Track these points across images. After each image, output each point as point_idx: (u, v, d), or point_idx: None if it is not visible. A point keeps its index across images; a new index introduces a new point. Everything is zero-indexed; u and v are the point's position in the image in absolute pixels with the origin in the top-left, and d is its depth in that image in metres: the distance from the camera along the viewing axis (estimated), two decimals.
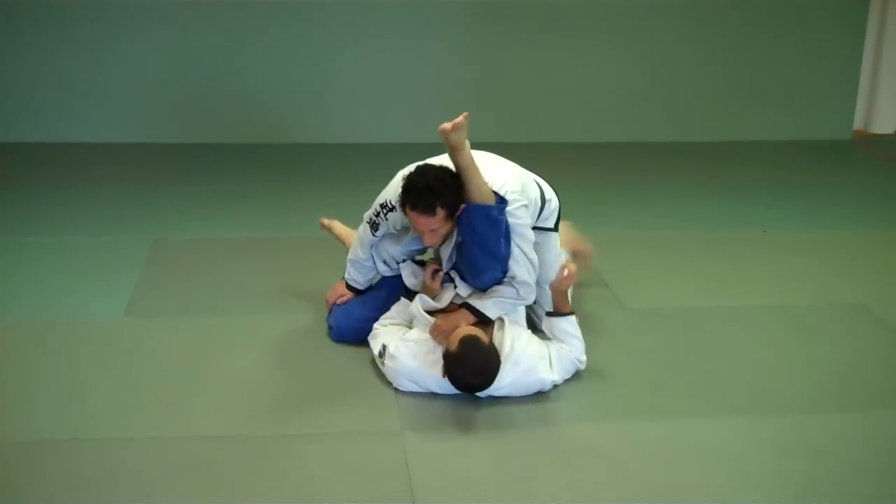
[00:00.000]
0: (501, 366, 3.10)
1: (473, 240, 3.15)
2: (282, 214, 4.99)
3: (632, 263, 4.37)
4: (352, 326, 3.52)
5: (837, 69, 6.71)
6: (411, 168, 3.21)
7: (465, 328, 3.14)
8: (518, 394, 3.18)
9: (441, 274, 3.37)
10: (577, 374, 3.34)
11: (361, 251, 3.51)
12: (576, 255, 3.80)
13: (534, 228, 3.36)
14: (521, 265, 3.22)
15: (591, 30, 6.42)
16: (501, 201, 3.12)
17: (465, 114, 3.01)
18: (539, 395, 3.21)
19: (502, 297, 3.25)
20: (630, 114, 6.59)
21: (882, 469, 2.89)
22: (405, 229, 3.32)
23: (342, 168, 5.89)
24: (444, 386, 3.15)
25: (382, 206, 3.33)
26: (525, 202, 3.23)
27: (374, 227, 3.40)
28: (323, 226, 3.97)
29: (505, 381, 3.13)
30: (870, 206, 5.40)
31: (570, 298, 3.44)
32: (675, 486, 2.78)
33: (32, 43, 6.03)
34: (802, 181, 5.84)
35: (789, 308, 4.00)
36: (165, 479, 2.75)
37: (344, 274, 3.62)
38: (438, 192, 3.05)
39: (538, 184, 3.47)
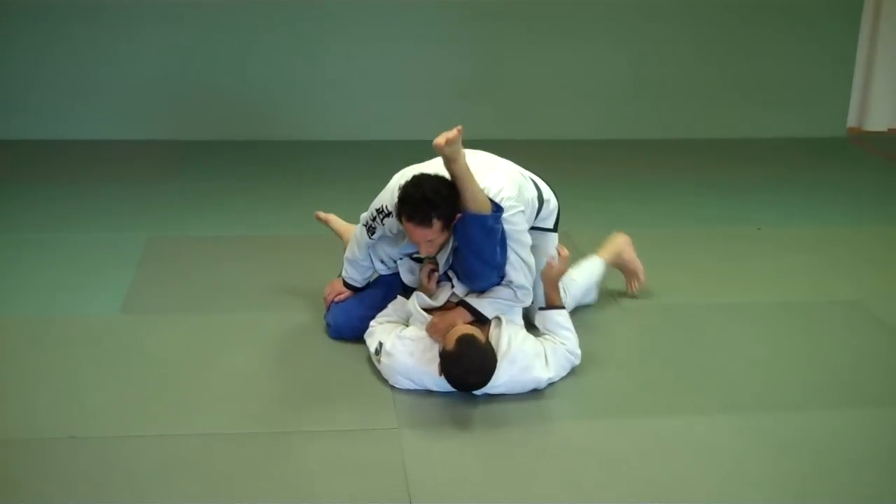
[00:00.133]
0: (498, 364, 3.11)
1: (469, 248, 3.16)
2: (278, 211, 4.98)
3: None
4: (350, 324, 3.52)
5: (832, 67, 6.72)
6: (407, 176, 3.20)
7: (462, 326, 3.15)
8: (514, 392, 3.19)
9: (437, 274, 3.37)
10: (573, 372, 3.35)
11: (359, 252, 3.51)
12: (628, 274, 3.95)
13: (532, 229, 3.38)
14: (519, 270, 3.24)
15: (587, 27, 6.42)
16: (497, 209, 3.13)
17: (459, 127, 3.01)
18: (535, 393, 3.22)
19: (499, 297, 3.26)
20: (625, 111, 6.59)
21: (879, 466, 2.91)
22: (402, 234, 3.32)
23: (338, 165, 5.89)
24: (441, 383, 3.16)
25: (379, 211, 3.33)
26: (521, 208, 3.23)
27: (370, 230, 3.40)
28: (319, 218, 3.97)
29: (501, 380, 3.14)
30: (865, 203, 5.42)
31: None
32: (672, 484, 2.79)
33: (28, 40, 6.01)
34: (797, 178, 5.85)
35: (786, 305, 4.02)
36: (162, 477, 2.75)
37: (341, 271, 3.62)
38: (434, 203, 3.04)
39: (536, 184, 3.47)
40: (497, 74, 6.42)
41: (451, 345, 3.04)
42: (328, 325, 3.61)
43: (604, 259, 3.91)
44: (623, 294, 4.00)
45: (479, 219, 3.10)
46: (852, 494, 2.77)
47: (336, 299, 3.60)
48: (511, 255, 3.20)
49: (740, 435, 3.05)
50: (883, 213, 5.24)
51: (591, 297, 3.87)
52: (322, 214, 3.97)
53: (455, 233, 3.16)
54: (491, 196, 3.14)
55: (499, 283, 3.26)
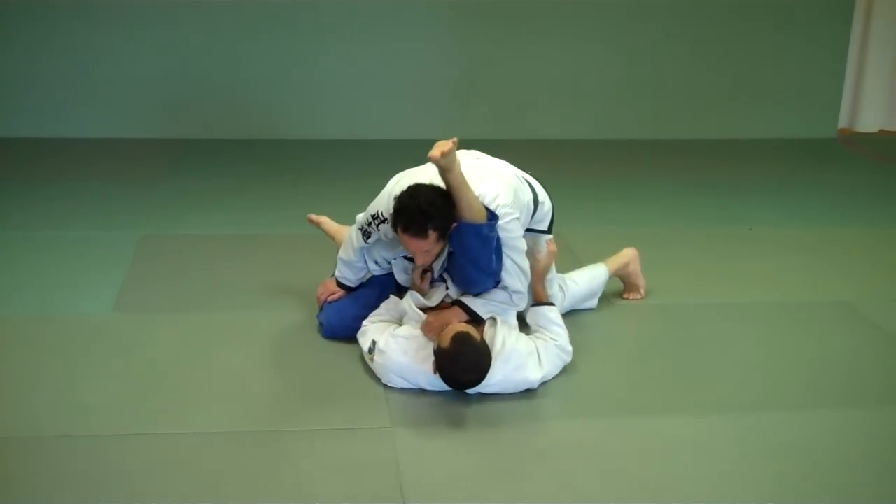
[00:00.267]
0: (492, 362, 3.12)
1: (465, 257, 3.17)
2: (271, 210, 4.98)
3: None
4: (343, 324, 3.52)
5: (823, 68, 6.75)
6: (403, 182, 3.21)
7: (458, 325, 3.15)
8: (507, 391, 3.20)
9: (429, 275, 3.38)
10: (567, 371, 3.36)
11: (353, 253, 3.51)
12: (628, 286, 3.97)
13: (527, 231, 3.39)
14: (514, 276, 3.25)
15: (580, 29, 6.44)
16: (493, 217, 3.14)
17: (454, 139, 3.02)
18: (528, 392, 3.22)
19: (494, 300, 3.27)
20: (616, 111, 6.61)
21: (868, 465, 2.92)
22: (397, 239, 3.32)
23: (332, 164, 5.89)
24: (434, 382, 3.16)
25: (374, 216, 3.33)
26: (517, 215, 3.24)
27: (366, 234, 3.40)
28: (311, 221, 3.97)
29: (495, 378, 3.14)
30: (855, 204, 5.45)
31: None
32: (665, 483, 2.80)
33: (23, 38, 6.00)
34: (788, 179, 5.88)
35: (776, 305, 4.03)
36: (155, 476, 2.75)
37: (335, 271, 3.63)
38: (430, 215, 3.04)
39: (531, 185, 3.48)
40: (492, 74, 6.43)
41: (446, 342, 3.04)
42: (321, 324, 3.61)
43: (609, 269, 3.92)
44: (617, 295, 4.01)
45: (475, 228, 3.11)
46: (847, 494, 2.78)
47: (329, 299, 3.60)
48: (506, 262, 3.22)
49: (734, 435, 3.06)
50: (873, 214, 5.27)
51: (591, 304, 3.89)
52: (314, 217, 3.97)
53: (451, 241, 3.17)
54: (486, 203, 3.15)
55: (494, 287, 3.27)
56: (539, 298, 3.46)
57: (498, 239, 3.16)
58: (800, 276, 4.35)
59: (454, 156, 3.02)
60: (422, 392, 3.21)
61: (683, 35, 6.55)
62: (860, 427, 3.13)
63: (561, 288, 3.71)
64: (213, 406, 3.12)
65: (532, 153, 4.80)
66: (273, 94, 6.28)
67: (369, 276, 3.62)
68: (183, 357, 3.43)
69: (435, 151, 2.98)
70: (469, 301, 3.27)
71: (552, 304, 3.47)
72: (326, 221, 3.94)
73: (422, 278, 3.38)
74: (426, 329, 3.23)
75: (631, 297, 4.00)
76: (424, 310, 3.32)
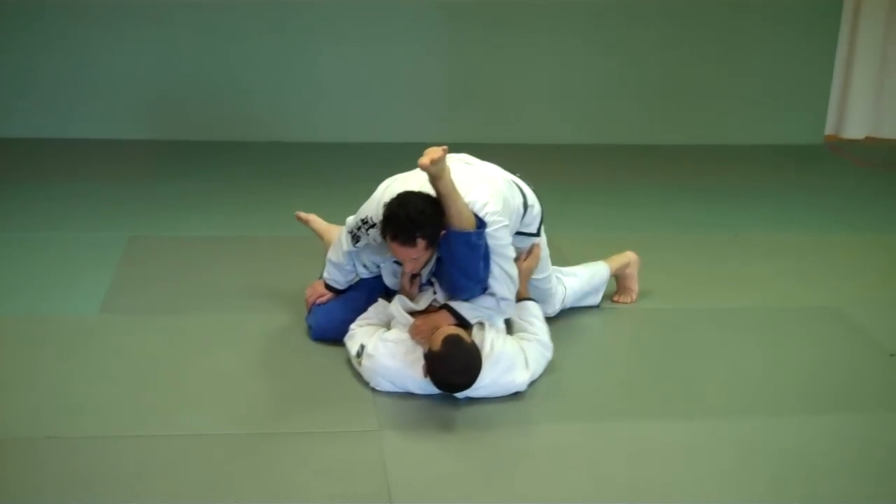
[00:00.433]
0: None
1: (453, 264, 3.17)
2: (260, 212, 4.97)
3: None
4: (331, 326, 3.51)
5: (810, 75, 6.77)
6: (393, 188, 3.21)
7: (448, 328, 3.16)
8: (496, 394, 3.20)
9: (418, 279, 3.38)
10: (554, 373, 3.36)
11: (342, 256, 3.51)
12: (621, 289, 4.00)
13: (517, 234, 3.39)
14: (502, 283, 3.25)
15: (570, 33, 6.45)
16: (481, 224, 3.14)
17: (444, 147, 3.02)
18: (516, 396, 3.23)
19: (482, 306, 3.28)
20: (605, 116, 6.62)
21: (857, 470, 2.93)
22: (385, 245, 3.32)
23: (322, 166, 5.88)
24: (423, 386, 3.16)
25: (364, 221, 3.33)
26: (506, 222, 3.24)
27: (355, 238, 3.40)
28: (300, 219, 3.97)
29: (484, 381, 3.14)
30: (842, 209, 5.47)
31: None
32: (651, 486, 2.81)
33: (15, 40, 5.97)
34: (775, 185, 5.90)
35: (765, 310, 4.05)
36: (141, 478, 2.74)
37: (323, 273, 3.62)
38: (419, 223, 3.04)
39: (521, 189, 3.48)
40: (482, 78, 6.44)
41: (438, 345, 3.05)
42: (309, 326, 3.60)
43: (609, 266, 3.94)
44: (607, 298, 4.02)
45: (464, 236, 3.11)
46: (836, 500, 2.79)
47: (317, 301, 3.60)
48: (494, 268, 3.22)
49: (723, 438, 3.07)
50: (860, 220, 5.29)
51: (594, 300, 3.92)
52: (303, 214, 3.96)
53: (439, 248, 3.17)
54: (475, 210, 3.15)
55: (482, 294, 3.27)
56: (521, 295, 3.48)
57: (486, 246, 3.17)
58: (787, 281, 4.36)
59: (444, 163, 3.02)
60: (409, 395, 3.21)
61: (673, 41, 6.57)
62: (847, 431, 3.14)
63: (560, 282, 3.73)
64: (201, 408, 3.12)
65: (522, 157, 4.80)
66: (265, 96, 6.27)
67: (357, 278, 3.62)
68: (171, 359, 3.42)
69: (425, 159, 2.98)
70: (457, 305, 3.27)
71: (532, 300, 3.50)
72: (315, 219, 3.94)
73: (410, 282, 3.38)
74: (414, 333, 3.23)
75: (621, 301, 4.01)
76: (412, 313, 3.32)
